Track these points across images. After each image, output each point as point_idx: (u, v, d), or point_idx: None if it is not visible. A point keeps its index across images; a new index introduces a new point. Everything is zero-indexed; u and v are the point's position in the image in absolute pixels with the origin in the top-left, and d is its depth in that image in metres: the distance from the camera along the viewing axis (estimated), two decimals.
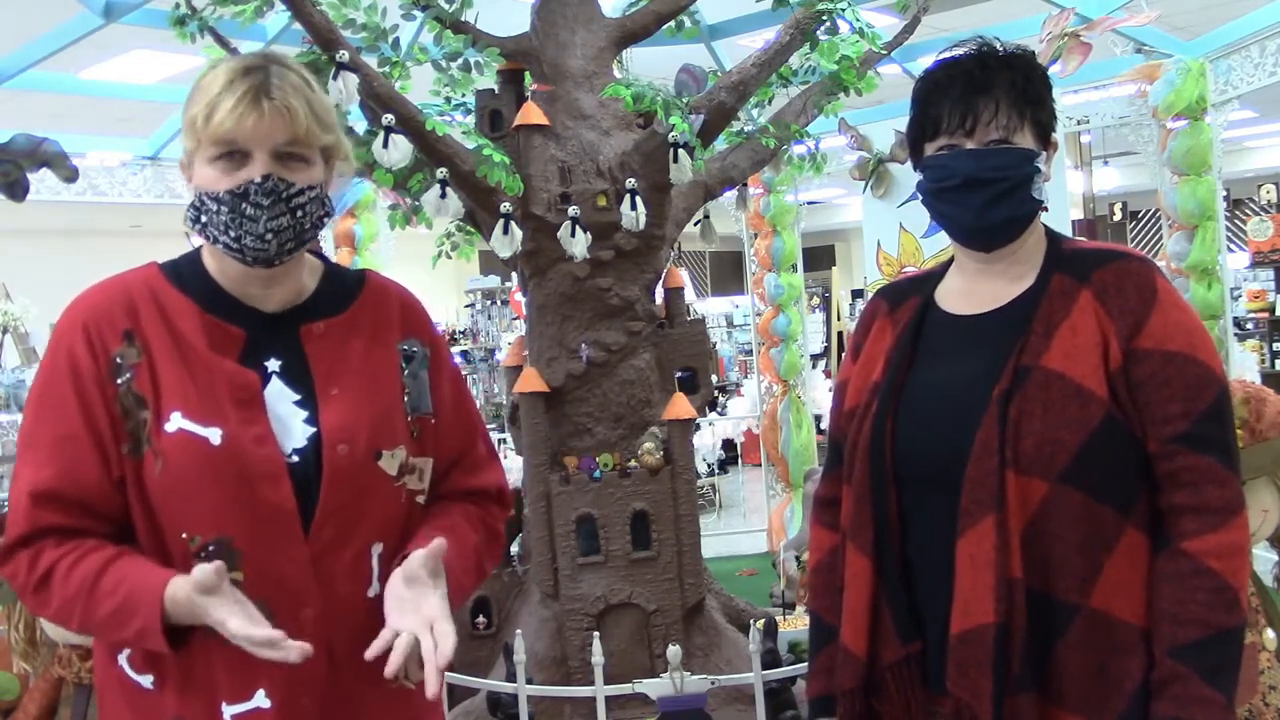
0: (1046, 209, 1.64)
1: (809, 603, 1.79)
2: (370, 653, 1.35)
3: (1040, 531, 1.48)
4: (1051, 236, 1.66)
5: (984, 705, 1.48)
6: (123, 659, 1.44)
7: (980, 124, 1.56)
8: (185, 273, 1.50)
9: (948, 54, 1.63)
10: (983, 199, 1.56)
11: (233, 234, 1.41)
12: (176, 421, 1.39)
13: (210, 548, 1.38)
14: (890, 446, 1.60)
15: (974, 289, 1.65)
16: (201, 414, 1.39)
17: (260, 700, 1.40)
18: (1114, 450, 1.49)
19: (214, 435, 1.39)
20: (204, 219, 1.43)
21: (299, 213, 1.42)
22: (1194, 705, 1.43)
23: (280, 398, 1.44)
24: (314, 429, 1.44)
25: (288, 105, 1.39)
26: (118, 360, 1.41)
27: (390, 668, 1.34)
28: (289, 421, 1.43)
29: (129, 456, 1.40)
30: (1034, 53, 1.66)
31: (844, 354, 1.82)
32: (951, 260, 1.73)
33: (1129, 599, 1.48)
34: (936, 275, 1.74)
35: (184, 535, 1.38)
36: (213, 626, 1.33)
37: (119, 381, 1.40)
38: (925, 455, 1.57)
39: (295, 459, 1.42)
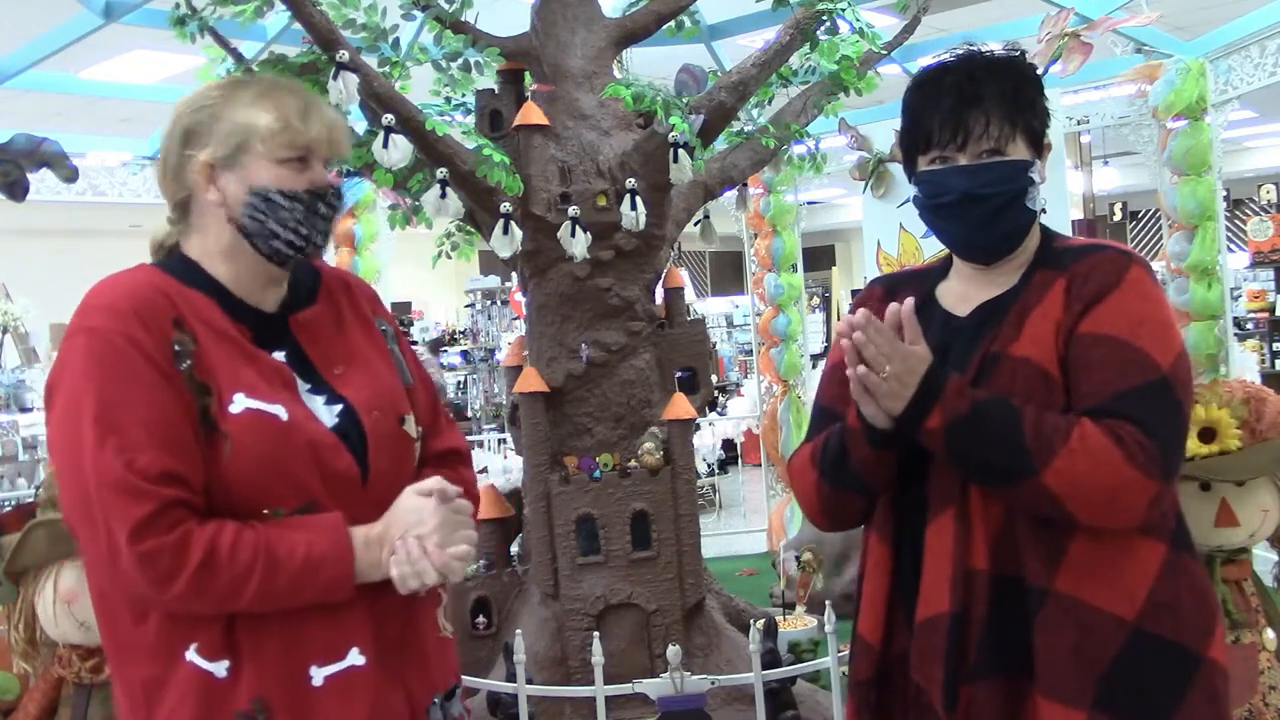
0: (1045, 211, 1.64)
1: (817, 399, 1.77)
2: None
3: (1011, 519, 1.49)
4: (1046, 235, 1.66)
5: (936, 691, 1.50)
6: (190, 653, 1.39)
7: (972, 138, 1.56)
8: (187, 275, 1.51)
9: (936, 61, 1.63)
10: (979, 216, 1.57)
11: (303, 231, 1.51)
12: (241, 402, 1.42)
13: (294, 517, 1.43)
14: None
15: (972, 290, 1.66)
16: (264, 394, 1.44)
17: (354, 658, 1.42)
18: None
19: (280, 412, 1.44)
20: (265, 214, 1.49)
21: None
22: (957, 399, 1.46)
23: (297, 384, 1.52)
24: (340, 405, 1.51)
25: (337, 122, 1.57)
26: (176, 347, 1.41)
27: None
28: (312, 407, 1.50)
29: (203, 440, 1.40)
30: (1024, 52, 1.64)
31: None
32: (952, 258, 1.73)
33: (1096, 582, 1.47)
34: (936, 272, 1.74)
35: (265, 511, 1.41)
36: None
37: (182, 367, 1.40)
38: (918, 450, 1.58)
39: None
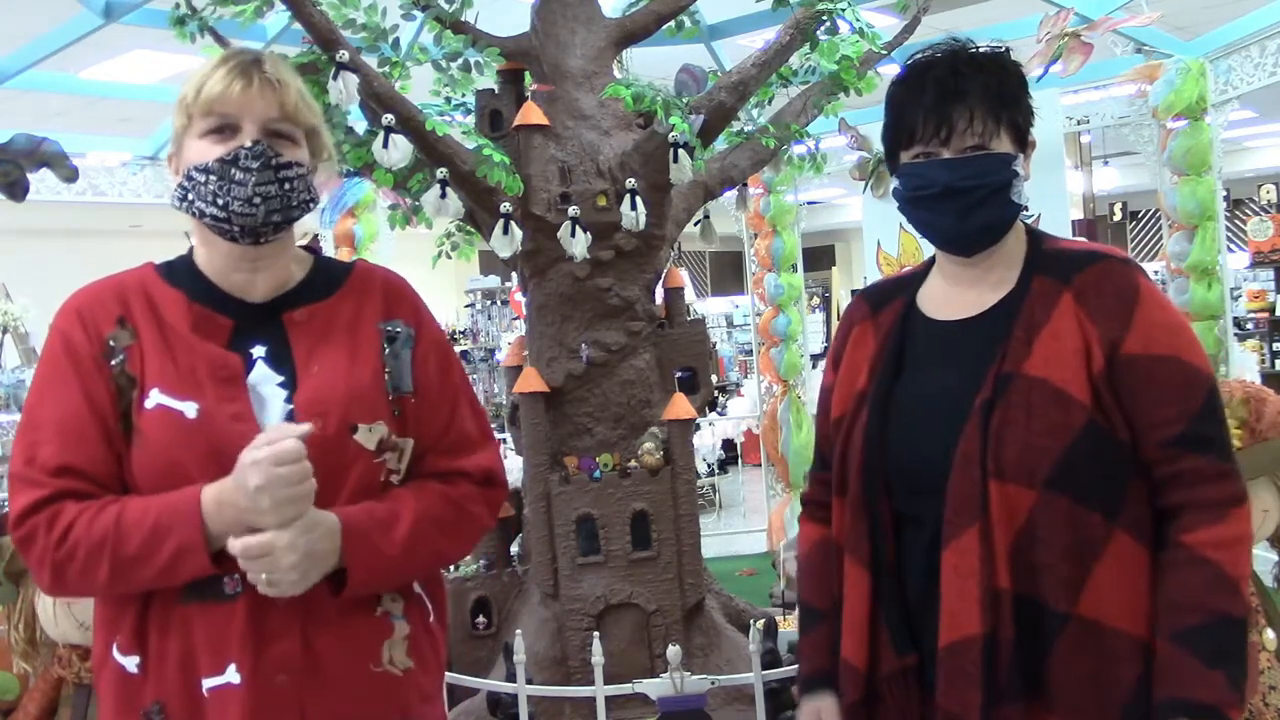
0: (1027, 209, 1.62)
1: (798, 593, 1.79)
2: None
3: (1030, 539, 1.46)
4: (1032, 236, 1.64)
5: (973, 717, 1.46)
6: (114, 647, 1.44)
7: (955, 132, 1.53)
8: (177, 268, 1.54)
9: (920, 56, 1.61)
10: (961, 207, 1.54)
11: (220, 201, 1.44)
12: (155, 398, 1.42)
13: None
14: (882, 458, 1.59)
15: (956, 293, 1.64)
16: (178, 390, 1.42)
17: (231, 675, 1.39)
18: (1099, 455, 1.47)
19: (189, 409, 1.41)
20: (191, 195, 1.46)
21: (286, 184, 1.46)
22: (1193, 686, 1.42)
23: (265, 380, 1.47)
24: (291, 407, 1.46)
25: (279, 79, 1.47)
26: (111, 343, 1.44)
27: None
28: (270, 402, 1.46)
29: (124, 436, 1.42)
30: (1009, 49, 1.62)
31: (825, 359, 1.82)
32: (933, 260, 1.71)
33: (1118, 605, 1.47)
34: (919, 276, 1.72)
35: None
36: (250, 493, 1.33)
37: (113, 363, 1.43)
38: (914, 467, 1.56)
39: None
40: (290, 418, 1.44)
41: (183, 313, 1.47)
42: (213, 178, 1.44)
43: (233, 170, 1.43)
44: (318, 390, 1.46)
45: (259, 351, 1.48)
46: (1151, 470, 1.50)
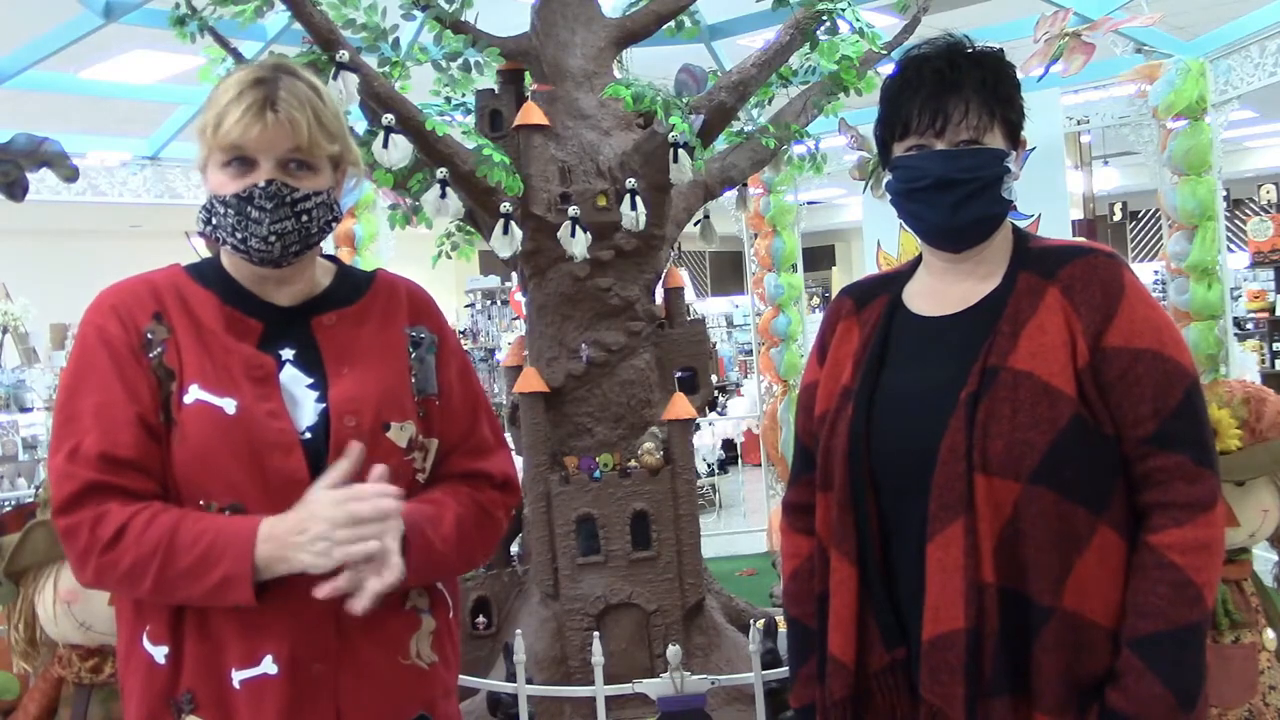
0: (1016, 208, 1.63)
1: (787, 609, 1.75)
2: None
3: (1015, 533, 1.47)
4: (1018, 235, 1.65)
5: (957, 711, 1.47)
6: (144, 636, 1.46)
7: (950, 124, 1.54)
8: (207, 271, 1.57)
9: (916, 51, 1.61)
10: (953, 199, 1.55)
11: (239, 235, 1.47)
12: (194, 393, 1.44)
13: (225, 514, 1.42)
14: (867, 452, 1.58)
15: (942, 289, 1.64)
16: (217, 386, 1.45)
17: (267, 666, 1.42)
18: (1084, 448, 1.48)
19: (228, 405, 1.44)
20: (214, 221, 1.50)
21: (304, 217, 1.49)
22: (1145, 702, 1.42)
23: (294, 381, 1.50)
24: (324, 405, 1.49)
25: (291, 118, 1.46)
26: (149, 335, 1.47)
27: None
28: (303, 402, 1.49)
29: (164, 425, 1.45)
30: (1003, 50, 1.63)
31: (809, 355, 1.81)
32: (919, 259, 1.71)
33: (1099, 599, 1.47)
34: (904, 274, 1.73)
35: (201, 503, 1.43)
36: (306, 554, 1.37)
37: (151, 355, 1.46)
38: (900, 461, 1.56)
39: (308, 435, 1.47)
40: (323, 417, 1.48)
41: (215, 313, 1.50)
42: (231, 211, 1.46)
43: (248, 208, 1.45)
44: (351, 389, 1.50)
45: (287, 354, 1.51)
46: (1128, 467, 1.50)
